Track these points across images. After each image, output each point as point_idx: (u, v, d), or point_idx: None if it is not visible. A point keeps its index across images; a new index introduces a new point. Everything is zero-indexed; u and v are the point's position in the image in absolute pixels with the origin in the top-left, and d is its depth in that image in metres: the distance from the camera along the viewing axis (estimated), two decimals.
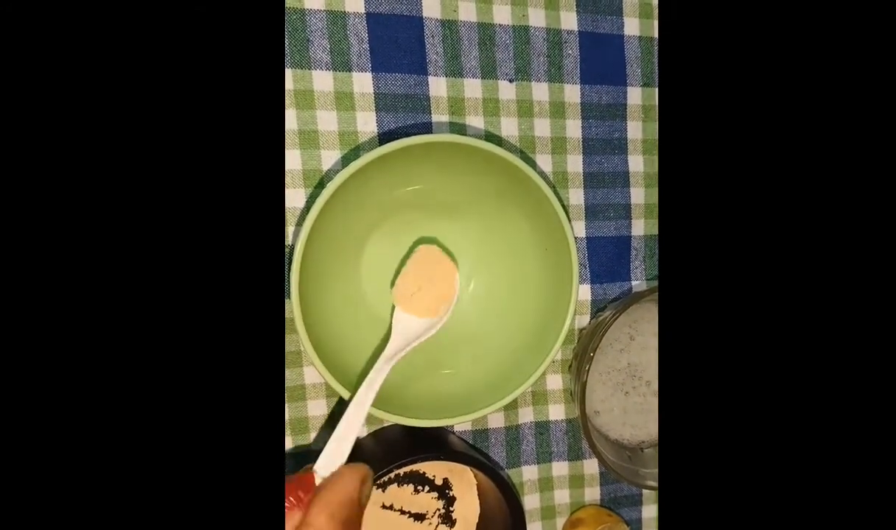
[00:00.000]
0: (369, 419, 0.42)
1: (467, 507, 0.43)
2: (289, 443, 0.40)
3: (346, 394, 0.35)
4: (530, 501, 0.46)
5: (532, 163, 0.43)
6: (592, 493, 0.48)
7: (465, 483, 0.43)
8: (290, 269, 0.39)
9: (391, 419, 0.36)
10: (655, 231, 0.47)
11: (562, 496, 0.47)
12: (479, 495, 0.43)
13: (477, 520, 0.44)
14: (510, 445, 0.45)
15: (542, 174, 0.41)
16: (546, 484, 0.47)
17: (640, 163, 0.46)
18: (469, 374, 0.41)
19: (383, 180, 0.36)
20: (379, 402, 0.36)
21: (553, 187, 0.42)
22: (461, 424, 0.44)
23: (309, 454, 0.40)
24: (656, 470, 0.44)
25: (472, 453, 0.38)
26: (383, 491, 0.41)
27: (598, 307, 0.46)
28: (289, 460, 0.40)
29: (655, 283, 0.46)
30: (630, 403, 0.45)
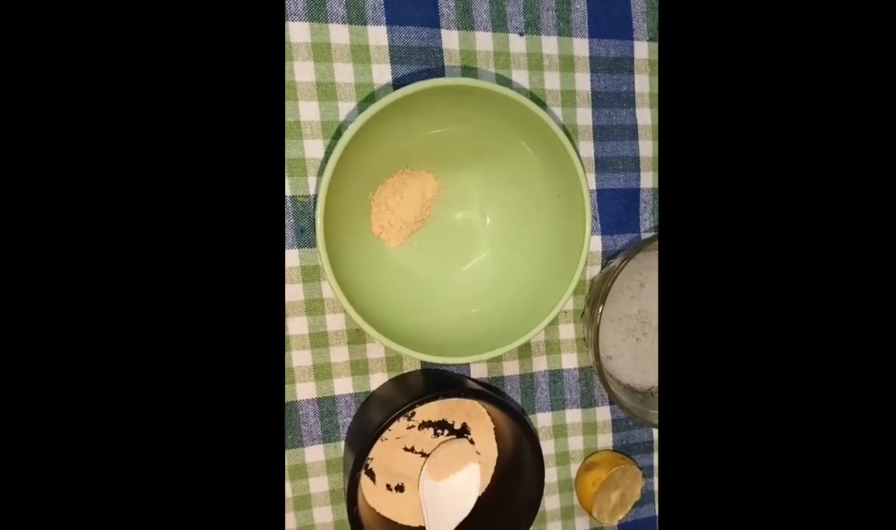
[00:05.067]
0: (391, 364, 0.43)
1: (486, 450, 0.45)
2: (314, 392, 0.41)
3: (379, 338, 0.36)
4: (545, 447, 0.48)
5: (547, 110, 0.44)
6: (605, 440, 0.50)
7: (483, 426, 0.45)
8: (314, 219, 0.40)
9: (414, 355, 0.37)
10: None
11: (576, 442, 0.49)
12: (497, 439, 0.45)
13: (495, 463, 0.45)
14: (525, 393, 0.47)
15: (556, 120, 0.42)
16: (560, 431, 0.48)
17: (647, 117, 0.47)
18: (487, 319, 0.42)
19: (399, 126, 0.37)
20: (402, 342, 0.37)
21: (568, 135, 0.42)
22: (478, 372, 0.45)
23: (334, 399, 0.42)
24: None
25: (490, 392, 0.40)
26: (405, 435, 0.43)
27: (608, 257, 0.47)
28: (311, 404, 0.42)
29: None
30: (641, 349, 0.46)
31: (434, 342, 0.39)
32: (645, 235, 0.48)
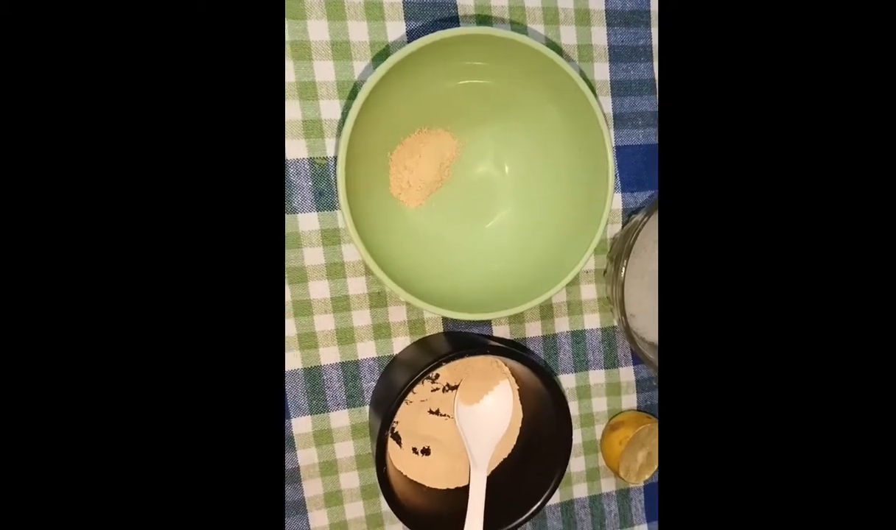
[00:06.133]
0: (413, 328, 0.43)
1: (511, 412, 0.45)
2: (337, 356, 0.41)
3: (402, 293, 0.36)
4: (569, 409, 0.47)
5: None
6: (629, 401, 0.49)
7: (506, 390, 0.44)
8: (333, 181, 0.40)
9: (437, 312, 0.37)
10: None
11: (599, 404, 0.49)
12: (521, 401, 0.45)
13: (520, 425, 0.45)
14: (548, 353, 0.46)
15: (580, 73, 0.41)
16: (584, 392, 0.48)
17: None
18: (509, 278, 0.41)
19: (415, 81, 0.37)
20: (425, 299, 0.37)
21: (590, 86, 0.42)
22: (500, 333, 0.45)
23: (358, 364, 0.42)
24: None
25: (515, 349, 0.39)
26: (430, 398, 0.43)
27: (629, 214, 0.46)
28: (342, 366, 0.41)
29: None
30: None
31: (456, 301, 0.39)
32: None
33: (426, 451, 0.43)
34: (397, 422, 0.42)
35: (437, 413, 0.43)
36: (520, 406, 0.45)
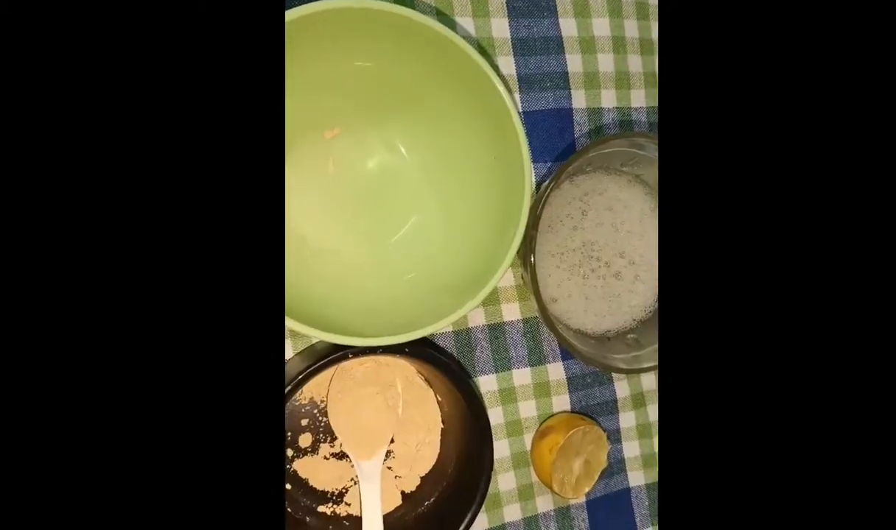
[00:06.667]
0: (296, 336, 0.36)
1: (428, 423, 0.38)
2: None
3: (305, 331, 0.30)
4: (492, 416, 0.41)
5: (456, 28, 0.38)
6: (561, 402, 0.43)
7: (421, 397, 0.38)
8: None
9: (330, 338, 0.30)
10: (599, 103, 0.43)
11: (527, 408, 0.42)
12: (441, 412, 0.38)
13: (440, 438, 0.38)
14: (462, 353, 0.40)
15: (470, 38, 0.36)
16: (508, 396, 0.41)
17: (573, 27, 0.42)
18: (418, 290, 0.36)
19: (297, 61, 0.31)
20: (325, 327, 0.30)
21: (506, 85, 0.37)
22: None
23: None
24: (626, 354, 0.39)
25: (414, 347, 0.33)
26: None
27: (538, 184, 0.41)
28: None
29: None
30: (590, 288, 0.40)
31: (360, 321, 0.33)
32: None
33: (341, 496, 0.36)
34: (305, 479, 0.36)
35: (339, 457, 0.36)
36: (438, 416, 0.38)
